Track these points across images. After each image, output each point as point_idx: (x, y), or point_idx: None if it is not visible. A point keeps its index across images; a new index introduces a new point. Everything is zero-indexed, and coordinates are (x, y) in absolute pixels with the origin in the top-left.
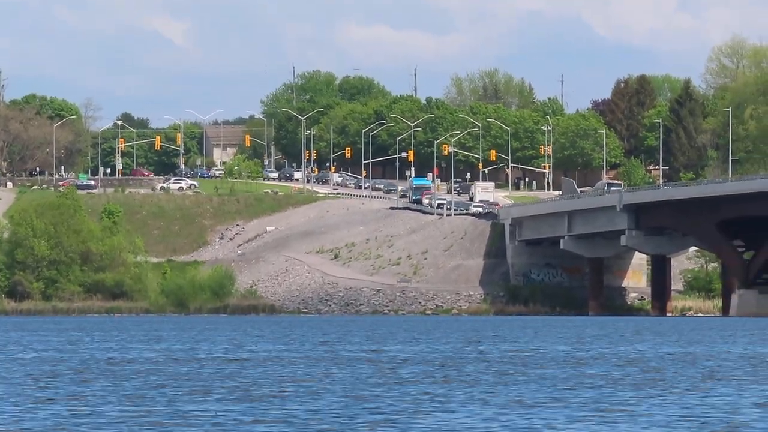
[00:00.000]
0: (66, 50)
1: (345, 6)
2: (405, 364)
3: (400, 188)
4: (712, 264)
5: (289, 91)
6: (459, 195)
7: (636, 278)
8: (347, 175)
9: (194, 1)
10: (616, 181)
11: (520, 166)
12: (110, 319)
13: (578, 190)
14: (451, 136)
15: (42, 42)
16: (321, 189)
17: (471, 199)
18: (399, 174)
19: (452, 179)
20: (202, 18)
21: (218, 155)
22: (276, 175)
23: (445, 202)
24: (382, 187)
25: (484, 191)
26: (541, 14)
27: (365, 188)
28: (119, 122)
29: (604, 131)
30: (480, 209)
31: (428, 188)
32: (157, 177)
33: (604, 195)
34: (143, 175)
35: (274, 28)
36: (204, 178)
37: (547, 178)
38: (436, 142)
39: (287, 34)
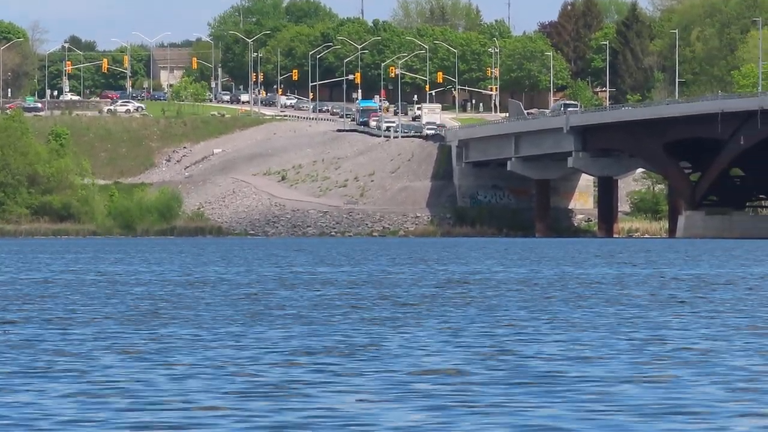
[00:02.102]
0: None
1: None
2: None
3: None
4: (659, 186)
5: (236, 13)
6: (395, 115)
7: (583, 200)
8: (298, 98)
9: None
10: (572, 102)
11: (467, 88)
12: (65, 242)
13: (525, 112)
14: (398, 58)
15: None
16: (268, 111)
17: (413, 120)
18: (346, 96)
19: (399, 101)
20: None
21: (165, 78)
22: (228, 97)
23: (393, 124)
24: (339, 110)
25: (431, 113)
26: None
27: (322, 111)
28: (66, 45)
29: (551, 53)
30: (433, 131)
31: (375, 110)
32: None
33: (551, 117)
34: (110, 97)
35: None
36: (160, 100)
37: (494, 101)
38: (383, 64)
39: None
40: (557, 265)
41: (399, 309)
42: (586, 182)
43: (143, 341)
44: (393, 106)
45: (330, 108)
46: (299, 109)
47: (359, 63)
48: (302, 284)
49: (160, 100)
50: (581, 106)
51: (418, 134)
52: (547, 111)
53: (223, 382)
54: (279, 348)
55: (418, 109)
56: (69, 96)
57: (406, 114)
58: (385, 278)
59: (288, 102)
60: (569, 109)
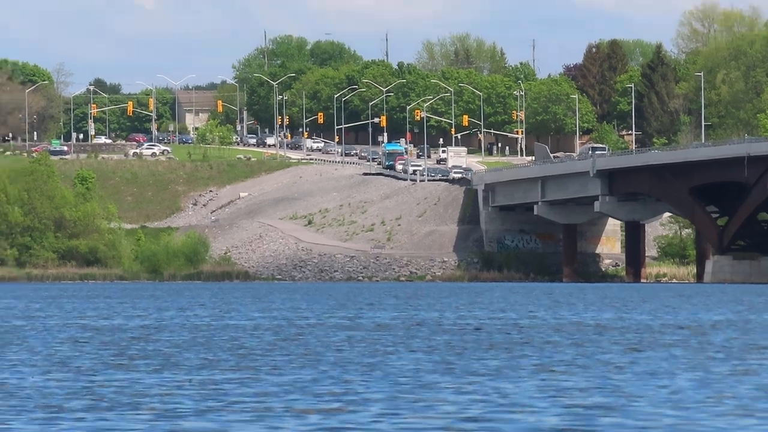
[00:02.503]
0: (37, 15)
1: None
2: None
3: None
4: (686, 230)
5: (261, 56)
6: (418, 158)
7: (610, 244)
8: (325, 141)
9: None
10: (600, 145)
11: (492, 131)
12: (98, 286)
13: (551, 155)
14: (424, 101)
15: (12, 7)
16: (294, 155)
17: (437, 163)
18: (372, 139)
19: (425, 144)
20: None
21: (190, 121)
22: (254, 140)
23: (420, 168)
24: (366, 154)
25: (457, 156)
26: None
27: (352, 155)
28: (91, 88)
29: (576, 96)
30: (460, 174)
31: (401, 154)
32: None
33: (577, 161)
34: (137, 140)
35: None
36: (187, 143)
37: (520, 144)
38: (408, 107)
39: None
40: (621, 311)
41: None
42: (613, 227)
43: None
44: (417, 149)
45: (358, 151)
46: (327, 152)
47: (384, 106)
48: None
49: (187, 143)
50: (609, 150)
51: (445, 178)
52: (574, 154)
53: None
54: None
55: (443, 152)
56: (102, 139)
57: (429, 157)
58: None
59: (315, 145)
60: (597, 152)
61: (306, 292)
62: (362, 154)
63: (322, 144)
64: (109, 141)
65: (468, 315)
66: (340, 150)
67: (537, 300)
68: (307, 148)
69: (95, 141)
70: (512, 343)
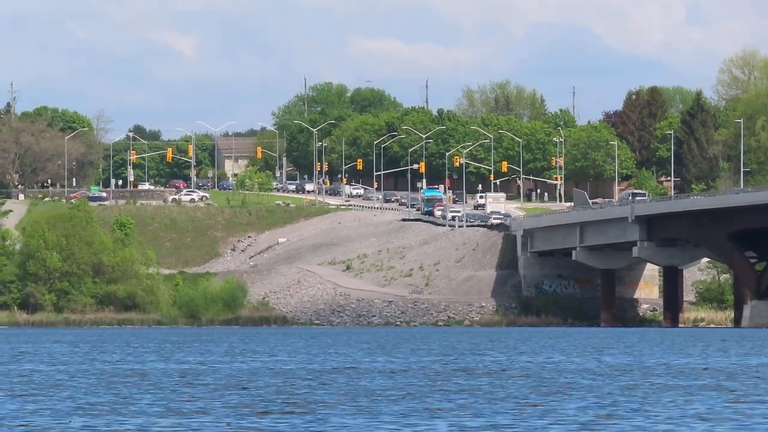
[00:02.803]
0: (77, 63)
1: (355, 19)
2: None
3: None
4: (724, 275)
5: (301, 103)
6: (454, 203)
7: (648, 289)
8: (365, 187)
9: (203, 14)
10: (640, 191)
11: (531, 177)
12: (141, 332)
13: (590, 201)
14: (463, 147)
15: (53, 55)
16: (333, 201)
17: (475, 209)
18: (410, 186)
19: (464, 191)
20: (212, 31)
21: (230, 167)
22: (294, 187)
23: (459, 214)
24: (406, 200)
25: (496, 202)
26: (552, 26)
27: (393, 201)
28: (131, 134)
29: (615, 143)
30: (500, 221)
31: (440, 200)
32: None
33: (616, 206)
34: (177, 187)
35: (285, 41)
36: (227, 190)
37: (559, 190)
38: (447, 153)
39: (298, 46)
40: (686, 356)
41: None
42: (651, 272)
43: None
44: (454, 194)
45: (398, 198)
46: (367, 198)
47: (424, 152)
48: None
49: (227, 189)
50: (649, 196)
51: (484, 224)
52: (614, 200)
53: None
54: None
55: (480, 197)
56: (147, 185)
57: (466, 203)
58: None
59: (355, 192)
60: (637, 198)
61: (377, 338)
62: (402, 200)
63: (362, 190)
64: (152, 187)
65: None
66: (380, 196)
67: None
68: (347, 194)
69: (140, 187)
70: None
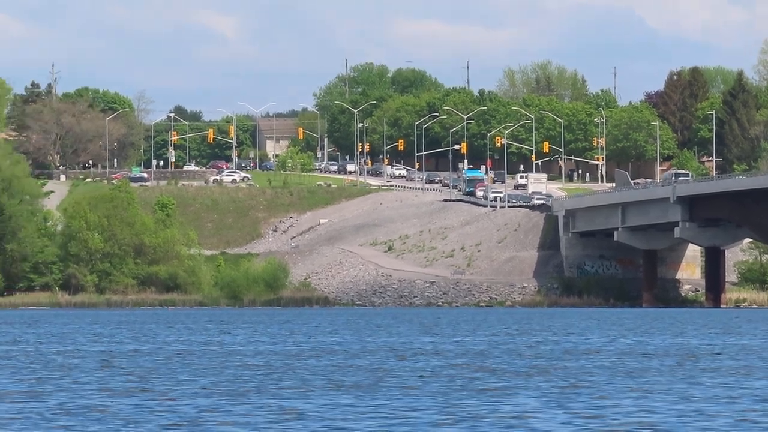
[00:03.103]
0: (118, 44)
1: (395, 0)
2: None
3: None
4: (766, 255)
5: (342, 83)
6: (494, 183)
7: (690, 270)
8: (408, 168)
9: None
10: (683, 171)
11: (573, 158)
12: (185, 312)
13: (631, 181)
14: (504, 128)
15: (94, 36)
16: (374, 181)
17: (515, 189)
18: (452, 166)
19: (505, 171)
20: (253, 12)
21: (271, 148)
22: (336, 167)
23: (500, 194)
24: (449, 181)
25: (537, 182)
26: (594, 6)
27: (436, 182)
28: (172, 115)
29: (657, 123)
30: (542, 201)
31: (481, 180)
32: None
33: (658, 187)
34: (219, 167)
35: (326, 22)
36: (269, 171)
37: (601, 170)
38: (489, 134)
39: (339, 27)
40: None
41: None
42: (693, 252)
43: None
44: (494, 176)
45: (442, 178)
46: (411, 179)
47: (465, 133)
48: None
49: (269, 170)
50: (692, 176)
51: (526, 204)
52: (657, 180)
53: None
54: None
55: (521, 177)
56: (192, 166)
57: (503, 182)
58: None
59: (398, 173)
60: (680, 178)
61: (438, 318)
62: (445, 181)
63: (404, 171)
64: (197, 168)
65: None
66: (423, 177)
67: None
68: (389, 175)
69: (185, 168)
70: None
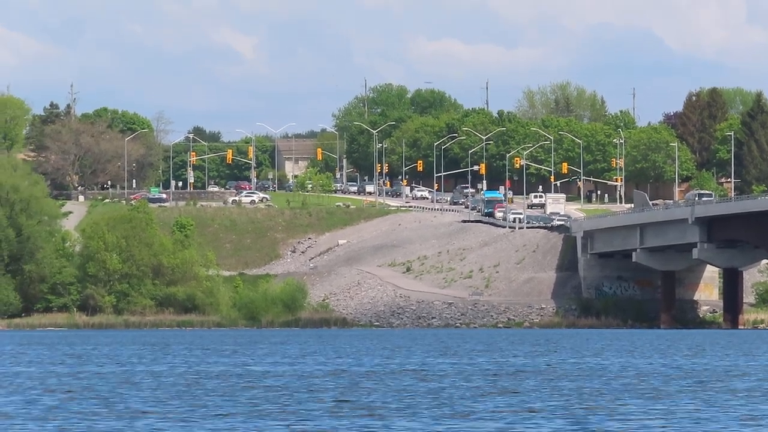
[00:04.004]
0: (137, 64)
1: (415, 20)
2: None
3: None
4: None
5: (361, 104)
6: (510, 203)
7: (708, 291)
8: (430, 190)
9: (263, 14)
10: (706, 192)
11: (592, 179)
12: (205, 333)
13: (650, 202)
14: (523, 149)
15: (113, 56)
16: (393, 202)
17: (529, 208)
18: (471, 187)
19: (524, 192)
20: (272, 31)
21: (290, 168)
22: (355, 188)
23: (520, 215)
24: (471, 202)
25: (555, 203)
26: (612, 27)
27: (460, 203)
28: (191, 136)
29: (675, 144)
30: (563, 222)
31: (500, 201)
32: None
33: (676, 208)
34: (242, 188)
35: (344, 42)
36: (289, 192)
37: (619, 191)
38: (508, 155)
39: (358, 48)
40: None
41: None
42: (711, 273)
43: None
44: (510, 195)
45: (465, 200)
46: (436, 201)
47: (484, 153)
48: None
49: (289, 191)
50: (715, 196)
51: (545, 225)
52: (676, 201)
53: None
54: None
55: (535, 197)
56: (215, 187)
57: (511, 203)
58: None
59: (420, 194)
60: (703, 198)
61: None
62: (467, 202)
63: (426, 192)
64: (219, 189)
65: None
66: (448, 198)
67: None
68: (407, 196)
69: (208, 189)
70: None
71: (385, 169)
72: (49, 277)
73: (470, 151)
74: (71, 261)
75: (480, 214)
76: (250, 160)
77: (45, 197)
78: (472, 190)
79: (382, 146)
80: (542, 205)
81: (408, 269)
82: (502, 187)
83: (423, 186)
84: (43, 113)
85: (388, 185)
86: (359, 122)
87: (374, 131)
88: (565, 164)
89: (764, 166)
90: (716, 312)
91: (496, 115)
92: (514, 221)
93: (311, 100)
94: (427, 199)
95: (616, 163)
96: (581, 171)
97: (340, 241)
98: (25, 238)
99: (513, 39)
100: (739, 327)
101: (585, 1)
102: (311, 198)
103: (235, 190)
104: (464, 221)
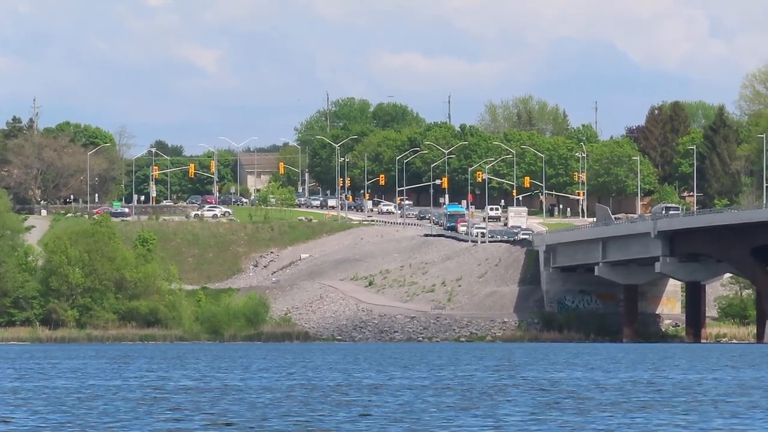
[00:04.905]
0: (100, 78)
1: (377, 34)
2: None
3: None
4: (747, 290)
5: (323, 118)
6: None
7: (670, 305)
8: (395, 204)
9: (225, 29)
10: (674, 205)
11: (554, 192)
12: (166, 347)
13: (612, 216)
14: (486, 163)
15: (76, 70)
16: (355, 216)
17: (482, 221)
18: (433, 201)
19: (487, 206)
20: (234, 45)
21: (252, 183)
22: (318, 202)
23: (484, 230)
24: (436, 217)
25: (517, 216)
26: (575, 41)
27: (427, 218)
28: (153, 150)
29: (638, 158)
30: (528, 236)
31: (462, 215)
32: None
33: (638, 222)
34: (208, 202)
35: (307, 56)
36: (251, 205)
37: (582, 205)
38: (470, 169)
39: (320, 61)
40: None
41: None
42: (674, 287)
43: None
44: (472, 210)
45: (431, 216)
46: (405, 216)
47: (446, 167)
48: None
49: (251, 205)
50: (683, 210)
51: (509, 239)
52: (646, 214)
53: None
54: None
55: (491, 210)
56: (170, 201)
57: (472, 216)
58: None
59: (385, 209)
60: (671, 212)
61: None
62: (433, 217)
63: (392, 206)
64: (171, 203)
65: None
66: (415, 213)
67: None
68: (371, 210)
69: (166, 203)
70: None
71: (348, 183)
72: (12, 292)
73: (432, 165)
74: (34, 275)
75: (442, 228)
76: (213, 174)
77: (7, 211)
78: (434, 209)
79: (345, 160)
80: (498, 218)
81: (370, 283)
82: (465, 200)
83: (386, 200)
84: (5, 127)
85: (351, 199)
86: (321, 136)
87: (336, 145)
88: (527, 178)
89: (726, 179)
90: (679, 326)
91: (459, 129)
92: (477, 236)
93: (273, 114)
94: (393, 214)
95: (579, 177)
96: (543, 185)
97: (303, 255)
98: None
99: (475, 53)
100: (702, 341)
101: (547, 15)
102: (273, 212)
103: (197, 204)
104: (426, 235)
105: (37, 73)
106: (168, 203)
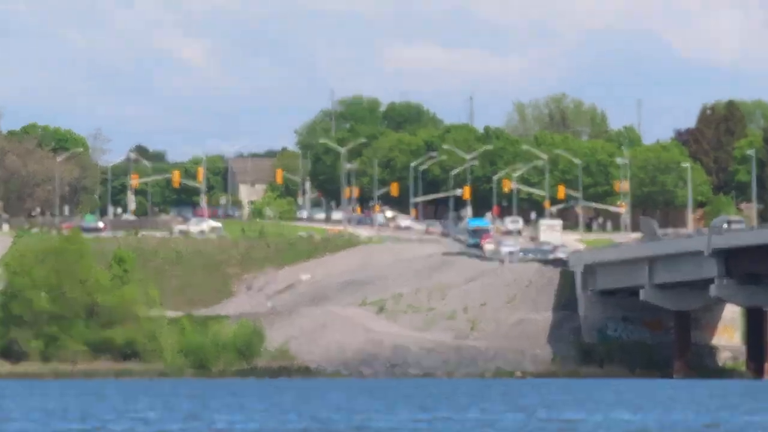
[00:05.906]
0: (71, 75)
1: (389, 23)
2: None
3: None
4: None
5: (327, 119)
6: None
7: (728, 334)
8: (428, 222)
9: (214, 17)
10: (737, 218)
11: (592, 204)
12: (145, 384)
13: (659, 232)
14: (513, 170)
15: (44, 67)
16: (364, 231)
17: (501, 234)
18: (452, 213)
19: (506, 217)
20: (225, 36)
21: (245, 193)
22: (323, 216)
23: (513, 248)
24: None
25: (550, 230)
26: (614, 31)
27: (447, 236)
28: (132, 155)
29: (688, 164)
30: (564, 255)
31: (487, 230)
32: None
33: (691, 239)
34: (200, 215)
35: (308, 48)
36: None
37: (624, 219)
38: (495, 177)
39: (323, 55)
40: None
41: None
42: (732, 314)
43: None
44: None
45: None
46: (429, 232)
47: (468, 176)
48: None
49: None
50: (747, 223)
51: (543, 258)
52: (703, 228)
53: None
54: None
55: (511, 222)
56: (127, 215)
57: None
58: None
59: (403, 223)
60: (734, 225)
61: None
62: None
63: (409, 221)
64: (132, 218)
65: None
66: (443, 230)
67: None
68: (394, 226)
69: (144, 217)
70: None
71: (355, 193)
72: None
73: (452, 173)
74: None
75: (464, 245)
76: (200, 183)
77: None
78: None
79: (351, 167)
80: (520, 232)
81: (381, 309)
82: (490, 213)
83: (400, 212)
84: None
85: (359, 212)
86: (325, 140)
87: (342, 150)
88: (561, 187)
89: None
90: (738, 359)
91: (482, 132)
92: (511, 254)
93: (269, 114)
94: (411, 229)
95: (620, 186)
96: (580, 195)
97: (303, 277)
98: None
99: (501, 45)
100: (765, 377)
101: (584, 1)
102: (269, 227)
103: (183, 218)
104: (445, 254)
105: (0, 70)
106: (148, 217)
